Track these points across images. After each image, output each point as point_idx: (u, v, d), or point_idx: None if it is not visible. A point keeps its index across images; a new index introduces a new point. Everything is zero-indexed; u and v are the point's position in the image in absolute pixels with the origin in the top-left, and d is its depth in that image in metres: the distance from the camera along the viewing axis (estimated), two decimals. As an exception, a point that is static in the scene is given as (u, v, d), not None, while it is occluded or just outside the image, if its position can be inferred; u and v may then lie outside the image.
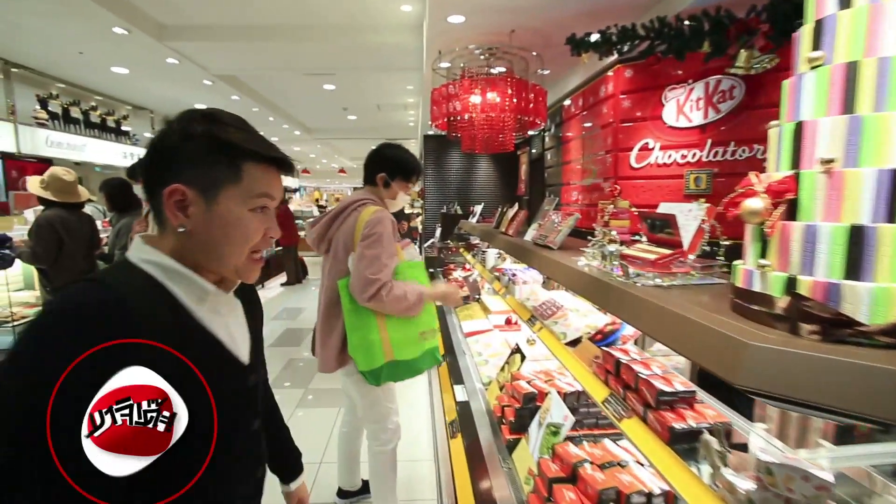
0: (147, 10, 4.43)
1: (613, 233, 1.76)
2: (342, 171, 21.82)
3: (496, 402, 2.15)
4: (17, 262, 3.32)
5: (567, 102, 4.83)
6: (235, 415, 0.77)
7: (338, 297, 1.78)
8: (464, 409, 2.11)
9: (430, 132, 9.38)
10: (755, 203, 1.00)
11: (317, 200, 21.63)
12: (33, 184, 3.32)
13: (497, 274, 3.63)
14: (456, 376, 2.46)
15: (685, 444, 1.21)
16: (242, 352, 0.80)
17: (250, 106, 8.07)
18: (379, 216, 1.76)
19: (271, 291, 7.92)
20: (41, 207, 3.46)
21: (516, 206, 3.48)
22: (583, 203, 4.34)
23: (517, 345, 2.32)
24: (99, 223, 4.07)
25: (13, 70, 5.66)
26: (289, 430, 1.18)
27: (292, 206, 14.67)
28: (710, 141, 3.17)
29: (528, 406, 1.88)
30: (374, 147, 1.97)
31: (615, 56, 3.15)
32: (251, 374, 0.82)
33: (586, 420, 1.89)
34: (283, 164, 0.78)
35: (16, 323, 3.33)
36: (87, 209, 4.52)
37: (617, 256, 1.64)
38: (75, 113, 6.54)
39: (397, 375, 1.82)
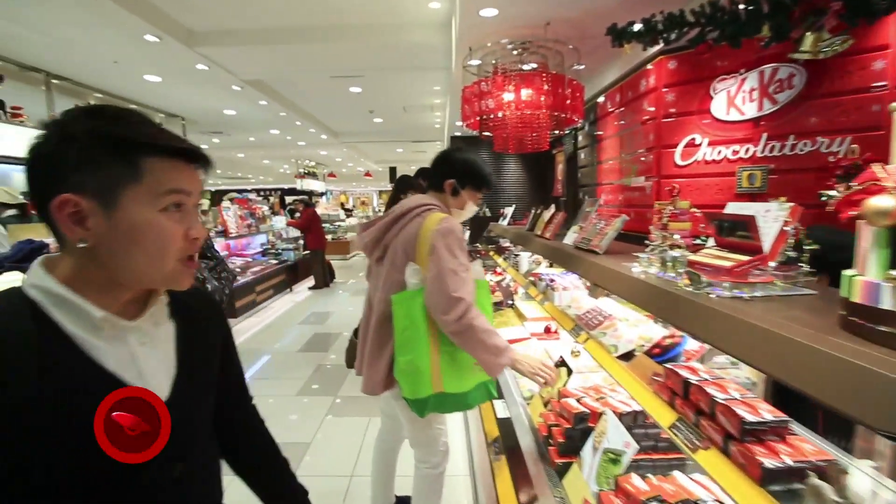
0: (176, 16, 4.46)
1: (677, 237, 1.59)
2: (368, 174, 21.94)
3: (540, 419, 1.99)
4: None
5: (601, 99, 4.63)
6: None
7: (379, 305, 1.63)
8: (506, 426, 1.96)
9: (458, 133, 9.26)
10: (885, 201, 0.82)
11: (342, 204, 21.83)
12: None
13: (532, 279, 3.47)
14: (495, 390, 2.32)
15: (781, 486, 1.03)
16: (155, 385, 0.68)
17: (278, 111, 8.12)
18: (450, 225, 1.57)
19: (299, 296, 7.95)
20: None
21: (553, 208, 3.31)
22: (621, 204, 4.12)
23: (562, 357, 2.16)
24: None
25: (54, 81, 5.83)
26: (288, 465, 1.00)
27: (319, 210, 14.82)
28: (765, 135, 2.93)
29: (580, 427, 1.72)
30: (441, 151, 1.84)
31: (659, 46, 2.95)
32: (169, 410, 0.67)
33: (643, 442, 1.71)
34: (193, 156, 0.67)
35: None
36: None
37: (683, 263, 1.47)
38: (111, 121, 6.69)
39: (444, 408, 1.63)
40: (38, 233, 3.82)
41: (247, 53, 5.14)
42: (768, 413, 1.17)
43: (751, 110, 2.98)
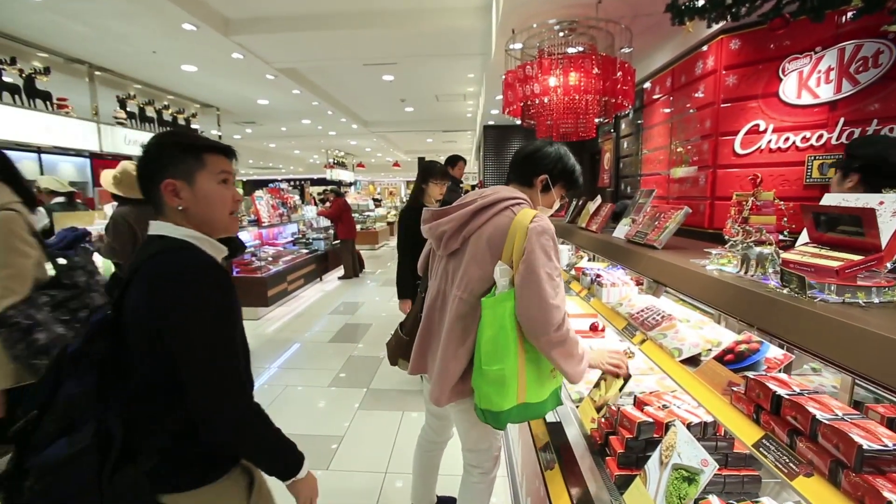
0: (213, 4, 4.44)
1: (765, 232, 1.41)
2: (396, 164, 21.92)
3: (592, 424, 1.85)
4: (97, 255, 3.39)
5: (646, 85, 4.36)
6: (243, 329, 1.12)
7: (472, 312, 1.45)
8: (556, 432, 1.83)
9: (491, 122, 9.06)
10: None
11: (373, 195, 21.92)
12: (106, 179, 3.36)
13: (576, 273, 3.30)
14: (540, 391, 2.19)
15: (914, 530, 0.86)
16: None
17: (310, 100, 8.11)
18: (546, 224, 1.42)
19: (329, 285, 7.97)
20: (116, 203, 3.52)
21: (599, 199, 3.11)
22: (670, 196, 3.88)
23: (615, 360, 2.00)
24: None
25: (96, 73, 5.96)
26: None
27: (349, 200, 14.89)
28: (842, 120, 2.65)
29: (643, 438, 1.57)
30: (531, 143, 1.70)
31: (723, 23, 2.70)
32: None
33: (712, 455, 1.55)
34: (228, 151, 1.09)
35: (96, 315, 3.39)
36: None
37: (774, 262, 1.29)
38: (150, 112, 6.82)
39: (522, 418, 1.54)
40: (82, 220, 3.90)
41: (281, 41, 5.09)
42: (889, 440, 1.00)
43: (826, 92, 2.70)
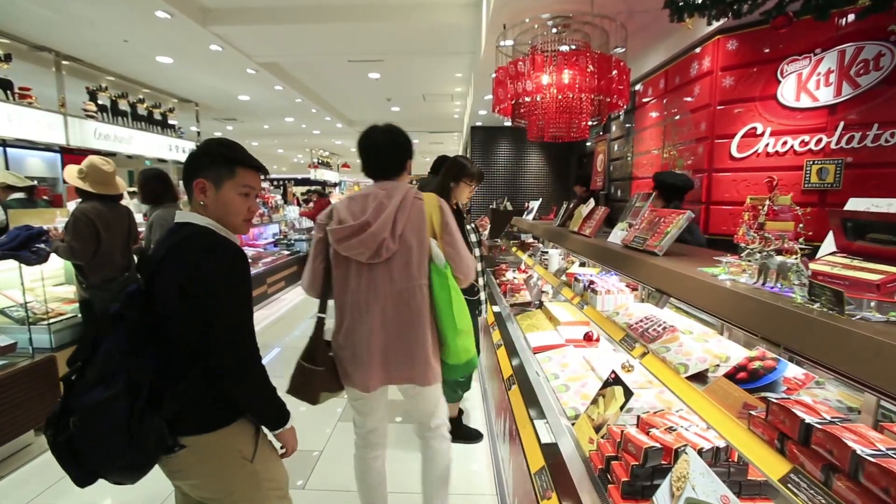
0: (190, -9, 4.21)
1: (787, 240, 1.28)
2: (381, 165, 21.58)
3: (591, 446, 1.71)
4: (56, 256, 3.14)
5: (638, 87, 4.28)
6: None
7: (415, 297, 1.65)
8: (551, 454, 1.69)
9: (479, 123, 8.94)
10: None
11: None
12: (70, 174, 3.12)
13: (567, 279, 3.17)
14: (534, 407, 2.04)
15: None
16: None
17: (293, 97, 7.87)
18: (443, 202, 1.76)
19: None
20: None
21: (592, 202, 3.00)
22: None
23: (615, 374, 1.87)
24: (139, 217, 3.89)
25: (64, 62, 5.64)
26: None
27: (333, 201, 14.61)
28: (842, 124, 2.58)
29: (650, 465, 1.43)
30: (380, 138, 1.75)
31: (718, 23, 2.61)
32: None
33: (724, 482, 1.43)
34: (260, 168, 1.28)
35: (52, 321, 3.14)
36: (131, 204, 4.37)
37: (801, 273, 1.17)
38: (123, 105, 6.50)
39: (474, 366, 1.89)
40: (42, 218, 3.63)
41: (262, 33, 4.88)
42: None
43: (826, 95, 2.62)
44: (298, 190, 15.19)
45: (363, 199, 1.67)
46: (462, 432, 2.95)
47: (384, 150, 1.72)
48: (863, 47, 2.48)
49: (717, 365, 1.65)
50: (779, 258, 1.20)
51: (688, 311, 2.23)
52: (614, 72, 2.78)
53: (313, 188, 9.05)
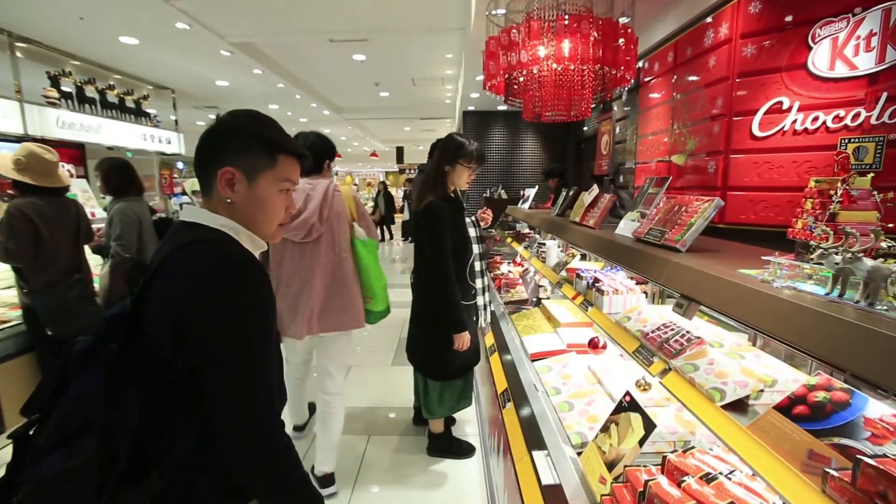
0: (147, -39, 3.79)
1: (884, 235, 0.95)
2: (374, 154, 21.22)
3: (603, 489, 1.39)
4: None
5: (641, 64, 3.91)
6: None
7: (341, 265, 2.15)
8: (554, 499, 1.37)
9: (471, 108, 8.54)
10: None
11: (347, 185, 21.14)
12: (4, 164, 2.74)
13: (568, 275, 2.84)
14: (531, 434, 1.71)
15: None
16: None
17: (275, 82, 7.44)
18: (357, 195, 2.31)
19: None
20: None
21: (595, 189, 2.66)
22: (671, 186, 3.45)
23: (630, 397, 1.54)
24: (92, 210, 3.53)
25: (21, 45, 5.20)
26: None
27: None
28: (884, 95, 2.24)
29: (684, 531, 1.11)
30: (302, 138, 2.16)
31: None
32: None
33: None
34: (303, 158, 0.99)
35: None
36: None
37: (909, 285, 0.83)
38: (90, 92, 6.05)
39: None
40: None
41: (232, 8, 4.46)
42: None
43: (866, 62, 2.28)
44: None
45: (298, 190, 2.04)
46: (453, 447, 2.65)
47: (311, 153, 2.09)
48: (911, 4, 2.13)
49: (761, 390, 1.33)
50: (869, 262, 0.87)
51: (711, 315, 1.92)
52: (621, 40, 2.43)
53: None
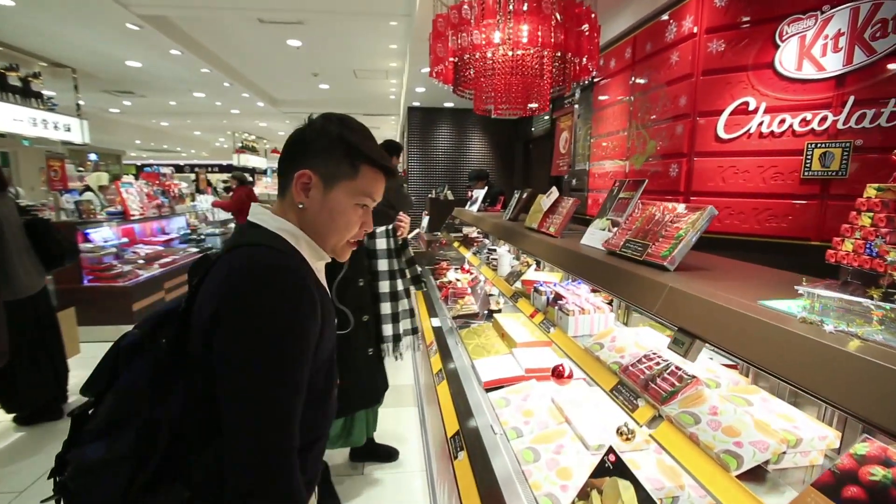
0: None
1: None
2: (316, 151, 20.24)
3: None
4: None
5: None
6: (335, 347, 0.93)
7: None
8: None
9: (416, 103, 8.16)
10: None
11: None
12: None
13: (524, 288, 2.55)
14: (491, 490, 1.36)
15: None
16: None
17: (197, 66, 6.66)
18: None
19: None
20: None
21: (554, 192, 2.37)
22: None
23: (614, 456, 1.24)
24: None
25: None
26: None
27: (259, 190, 13.20)
28: (851, 98, 2.13)
29: None
30: None
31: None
32: (335, 318, 0.96)
33: None
34: (389, 172, 0.91)
35: None
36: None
37: None
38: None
39: None
40: None
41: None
42: None
43: (834, 63, 2.15)
44: (217, 177, 13.63)
45: None
46: (376, 451, 2.49)
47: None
48: (881, 3, 2.02)
49: (784, 452, 1.05)
50: None
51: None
52: (585, 26, 2.16)
53: (233, 174, 7.81)
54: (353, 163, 0.85)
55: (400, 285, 2.27)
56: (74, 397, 3.23)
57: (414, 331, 2.36)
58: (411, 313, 2.35)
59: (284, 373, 0.73)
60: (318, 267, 0.91)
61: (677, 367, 1.32)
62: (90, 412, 0.82)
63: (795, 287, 0.92)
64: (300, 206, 0.84)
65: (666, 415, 1.19)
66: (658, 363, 1.38)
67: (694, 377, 1.26)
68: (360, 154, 0.85)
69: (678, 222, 1.42)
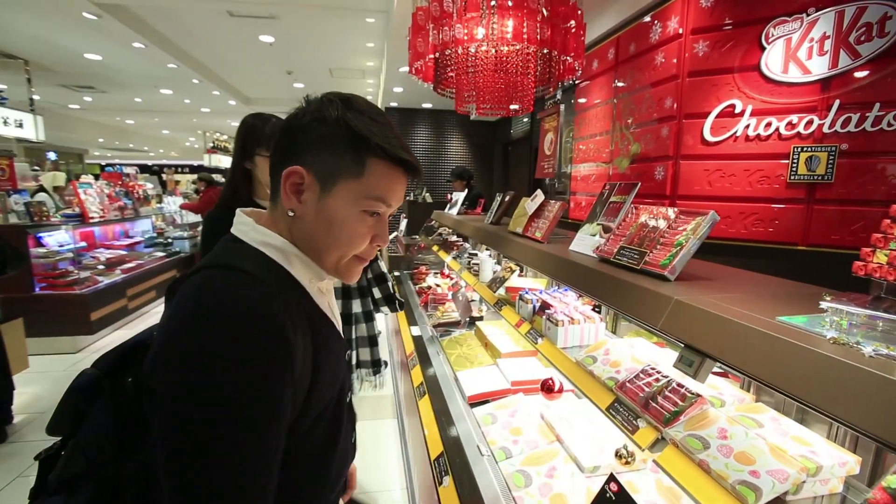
0: None
1: None
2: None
3: None
4: None
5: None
6: (343, 385, 0.77)
7: None
8: None
9: (394, 104, 8.01)
10: None
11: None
12: None
13: (507, 295, 2.44)
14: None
15: None
16: (339, 325, 0.79)
17: (163, 60, 6.34)
18: None
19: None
20: None
21: (540, 195, 2.28)
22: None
23: (616, 486, 1.14)
24: None
25: None
26: None
27: (230, 190, 12.75)
28: (837, 102, 2.11)
29: None
30: None
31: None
32: (347, 348, 0.89)
33: None
34: (411, 168, 0.69)
35: None
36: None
37: None
38: None
39: None
40: None
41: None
42: None
43: (819, 67, 2.13)
44: (184, 178, 13.10)
45: None
46: None
47: None
48: (866, 7, 2.00)
49: (803, 481, 0.96)
50: None
51: (665, 338, 1.59)
52: (572, 22, 2.08)
53: (199, 175, 7.49)
54: (358, 156, 0.64)
55: (357, 306, 1.92)
56: (22, 416, 2.96)
57: (375, 363, 2.01)
58: (371, 341, 1.98)
59: (223, 456, 0.54)
60: (324, 287, 0.75)
61: (679, 385, 1.23)
62: (52, 458, 0.70)
63: (821, 304, 0.83)
64: (290, 213, 0.67)
65: (671, 438, 1.09)
66: (658, 379, 1.29)
67: (698, 395, 1.17)
68: (367, 144, 0.64)
69: (677, 228, 1.33)
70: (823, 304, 0.83)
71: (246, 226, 0.68)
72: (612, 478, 1.15)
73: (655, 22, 2.68)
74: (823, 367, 0.71)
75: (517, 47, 2.07)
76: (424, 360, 2.44)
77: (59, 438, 0.71)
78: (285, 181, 0.65)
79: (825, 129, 2.14)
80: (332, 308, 0.78)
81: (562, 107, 4.00)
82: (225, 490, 0.54)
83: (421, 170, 0.71)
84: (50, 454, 0.70)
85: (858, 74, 2.05)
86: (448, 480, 1.49)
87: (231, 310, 0.57)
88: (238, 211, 0.71)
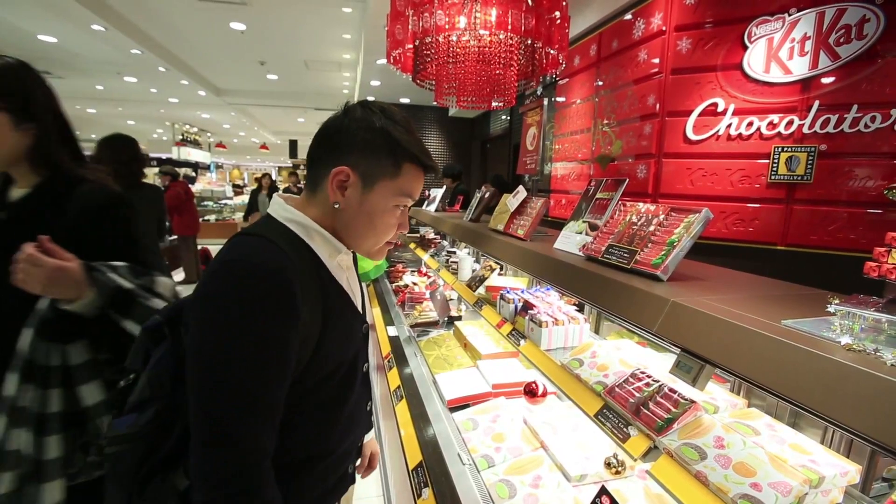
0: None
1: None
2: (264, 146, 19.34)
3: None
4: None
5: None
6: (358, 354, 0.89)
7: None
8: None
9: (370, 99, 7.84)
10: None
11: (233, 180, 19.11)
12: None
13: (488, 294, 2.37)
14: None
15: None
16: (357, 302, 0.91)
17: (126, 46, 6.00)
18: None
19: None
20: None
21: (522, 191, 2.21)
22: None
23: (610, 499, 1.07)
24: None
25: None
26: None
27: (201, 186, 12.30)
28: (816, 103, 2.11)
29: None
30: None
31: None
32: (364, 322, 0.94)
33: None
34: (431, 170, 0.87)
35: None
36: None
37: None
38: None
39: None
40: None
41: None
42: None
43: (800, 67, 2.13)
44: (153, 171, 12.54)
45: None
46: None
47: None
48: (845, 9, 2.01)
49: (805, 493, 0.92)
50: None
51: (643, 336, 1.55)
52: (557, 13, 2.02)
53: (161, 169, 7.11)
54: (397, 161, 0.79)
55: None
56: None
57: None
58: None
59: (231, 378, 0.67)
60: (343, 263, 0.87)
61: (671, 390, 1.18)
62: (129, 388, 0.84)
63: (828, 307, 0.78)
64: (335, 205, 0.80)
65: (665, 447, 1.04)
66: (648, 384, 1.24)
67: (692, 401, 1.12)
68: (405, 151, 0.80)
69: (667, 227, 1.27)
70: (832, 308, 0.77)
71: (278, 206, 0.81)
72: (603, 490, 1.08)
73: (639, 18, 2.65)
74: (840, 377, 0.65)
75: (501, 36, 1.99)
76: (402, 362, 2.34)
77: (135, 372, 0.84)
78: (333, 178, 0.78)
79: (805, 130, 2.14)
80: (351, 284, 0.89)
81: (545, 101, 3.96)
82: (235, 401, 0.67)
83: (438, 170, 0.83)
84: (128, 384, 0.84)
85: (837, 76, 2.05)
86: (427, 493, 1.40)
87: (248, 263, 0.69)
88: (275, 195, 0.84)
